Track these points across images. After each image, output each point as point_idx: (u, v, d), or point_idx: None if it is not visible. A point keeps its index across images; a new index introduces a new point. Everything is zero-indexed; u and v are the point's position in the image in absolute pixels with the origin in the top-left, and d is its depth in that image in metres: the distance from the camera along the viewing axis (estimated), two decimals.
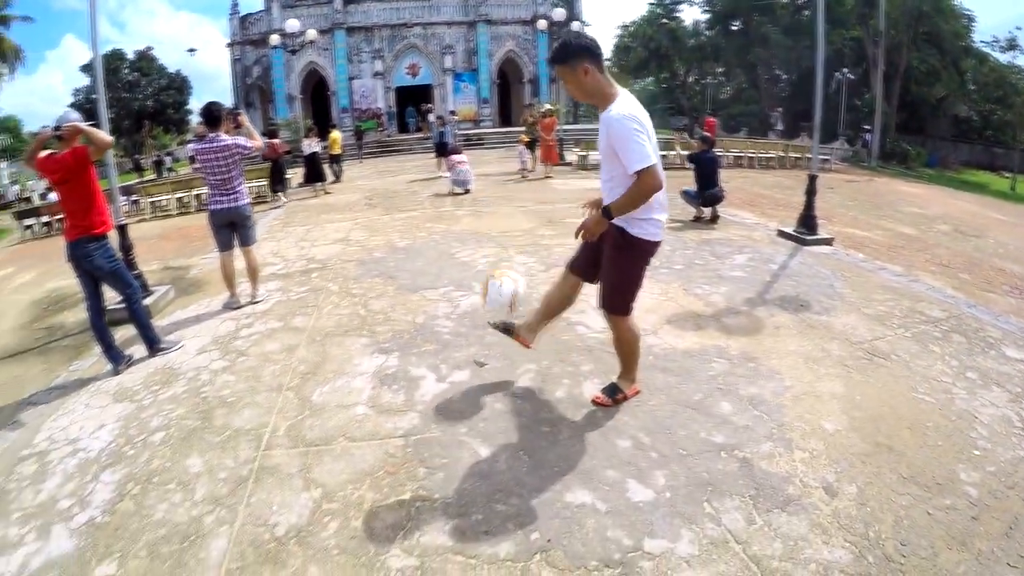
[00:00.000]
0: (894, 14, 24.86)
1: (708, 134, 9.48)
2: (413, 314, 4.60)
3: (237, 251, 5.11)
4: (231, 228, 5.03)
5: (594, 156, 15.33)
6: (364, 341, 4.12)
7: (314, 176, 13.31)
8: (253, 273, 5.20)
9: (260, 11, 29.58)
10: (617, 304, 2.85)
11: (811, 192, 6.96)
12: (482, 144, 24.28)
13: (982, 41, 28.92)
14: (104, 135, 3.78)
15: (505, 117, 31.04)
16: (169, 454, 2.88)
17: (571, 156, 16.12)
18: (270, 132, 13.84)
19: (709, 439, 2.78)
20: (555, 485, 2.41)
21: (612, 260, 2.78)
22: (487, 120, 29.67)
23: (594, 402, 3.09)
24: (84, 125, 3.73)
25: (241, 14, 30.16)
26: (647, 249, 2.74)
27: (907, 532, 2.24)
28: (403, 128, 29.49)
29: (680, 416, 2.97)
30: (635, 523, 2.21)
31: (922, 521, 2.31)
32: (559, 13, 19.87)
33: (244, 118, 5.16)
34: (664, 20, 37.17)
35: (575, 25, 22.72)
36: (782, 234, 7.20)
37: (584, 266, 2.97)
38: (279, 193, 12.29)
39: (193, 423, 3.16)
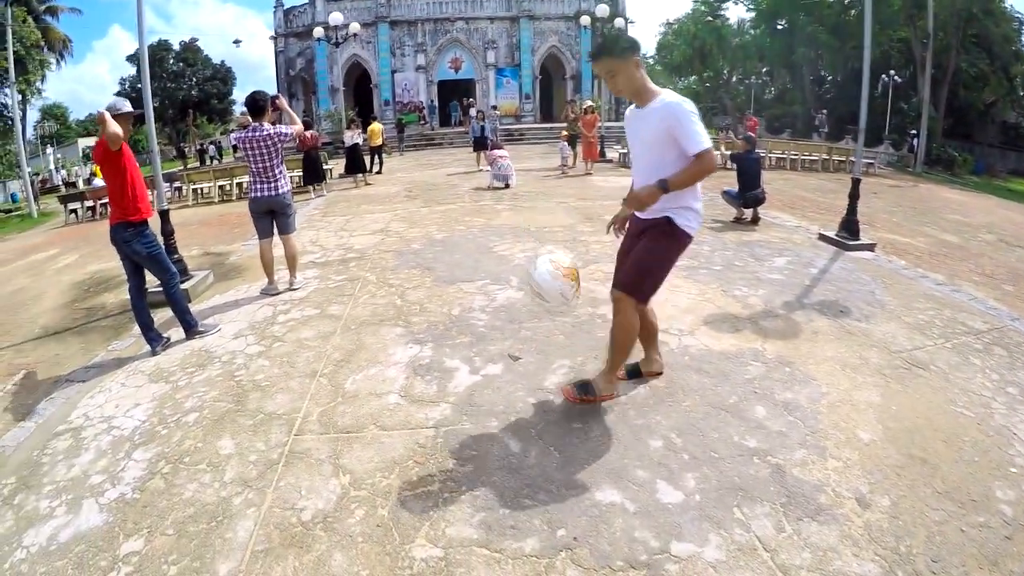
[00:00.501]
0: (943, 15, 23.92)
1: (752, 135, 9.34)
2: (449, 306, 4.67)
3: (276, 239, 5.24)
4: (271, 216, 5.17)
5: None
6: (399, 331, 4.21)
7: (355, 167, 13.51)
8: (292, 261, 5.34)
9: (304, 4, 30.19)
10: (642, 287, 2.83)
11: (854, 196, 6.81)
12: (523, 140, 24.43)
13: None
14: (112, 127, 3.68)
15: (546, 113, 31.14)
16: (201, 435, 3.00)
17: (612, 153, 16.05)
18: (303, 124, 14.06)
19: (742, 443, 2.77)
20: (584, 483, 2.45)
21: (651, 246, 2.81)
22: (528, 116, 29.85)
23: (563, 394, 3.07)
24: (107, 114, 3.75)
25: (286, 7, 30.84)
26: (685, 242, 2.82)
27: (939, 549, 2.21)
28: (445, 122, 29.76)
29: (714, 418, 2.97)
30: (663, 525, 2.24)
31: (955, 538, 2.27)
32: (602, 9, 19.77)
33: (282, 102, 5.29)
34: (709, 18, 36.58)
35: (618, 22, 22.62)
36: (823, 238, 7.06)
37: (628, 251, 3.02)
38: (316, 186, 12.37)
39: (226, 406, 3.28)
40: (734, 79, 40.24)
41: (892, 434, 2.94)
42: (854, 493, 2.48)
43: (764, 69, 38.98)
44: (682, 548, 2.14)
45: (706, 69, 39.26)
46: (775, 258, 6.12)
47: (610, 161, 15.40)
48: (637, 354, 3.27)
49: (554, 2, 29.62)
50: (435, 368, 3.60)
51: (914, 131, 23.58)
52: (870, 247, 6.67)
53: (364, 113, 22.79)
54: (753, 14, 35.97)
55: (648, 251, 2.81)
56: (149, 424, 3.16)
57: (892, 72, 25.87)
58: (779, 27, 34.60)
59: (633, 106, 2.78)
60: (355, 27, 21.05)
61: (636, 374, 3.30)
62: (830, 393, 3.29)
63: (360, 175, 13.47)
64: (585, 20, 21.50)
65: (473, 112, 17.71)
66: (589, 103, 15.42)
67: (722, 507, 2.34)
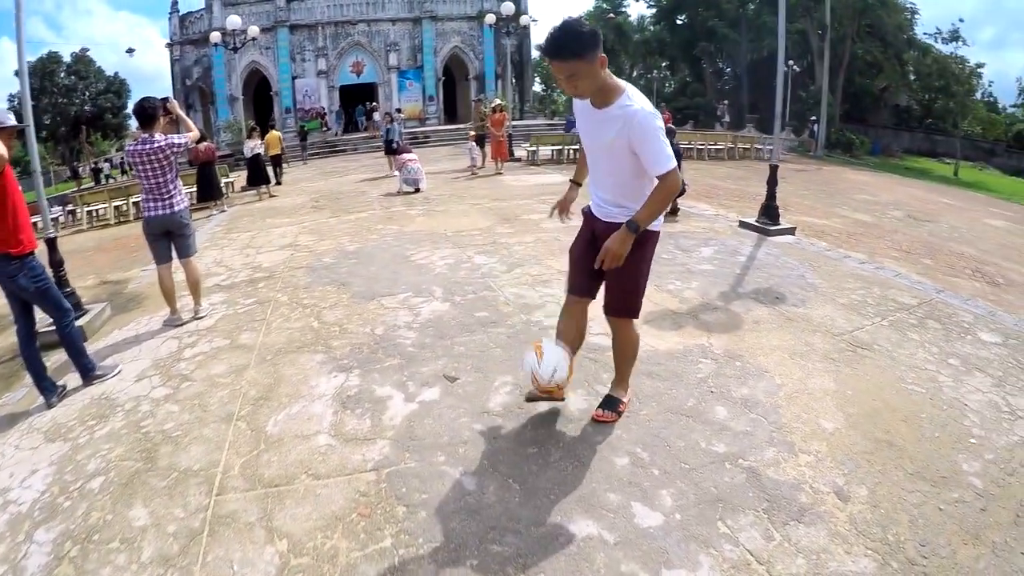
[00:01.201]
0: (838, 8, 26.05)
1: (672, 127, 9.57)
2: (371, 325, 4.32)
3: (176, 263, 4.71)
4: (168, 238, 4.64)
5: (544, 151, 15.36)
6: (320, 358, 3.81)
7: (258, 178, 12.79)
8: (195, 286, 4.81)
9: (201, 9, 29.03)
10: (636, 306, 2.70)
11: (772, 182, 7.05)
12: (428, 142, 24.25)
13: (925, 33, 30.81)
14: None
15: (451, 114, 31.17)
16: (110, 504, 2.52)
17: (521, 152, 16.08)
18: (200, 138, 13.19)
19: (711, 449, 2.65)
20: (554, 516, 2.22)
21: (634, 261, 2.55)
22: (433, 118, 29.78)
23: (597, 420, 2.86)
24: None
25: (181, 13, 29.68)
26: (655, 239, 2.66)
27: (923, 531, 2.21)
28: (350, 127, 29.34)
29: (676, 425, 2.83)
30: (648, 553, 2.04)
31: (935, 518, 2.29)
32: (508, 7, 19.86)
33: (174, 105, 4.75)
34: (611, 15, 37.84)
35: (524, 20, 22.89)
36: (744, 225, 7.27)
37: (588, 284, 2.74)
38: (216, 202, 11.63)
39: (135, 465, 2.79)
40: (635, 74, 41.87)
41: (853, 420, 2.93)
42: (831, 487, 2.43)
43: (665, 64, 40.76)
44: (673, 575, 1.96)
45: (608, 65, 40.72)
46: (701, 248, 6.21)
47: (519, 160, 15.47)
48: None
49: (456, 2, 29.74)
50: (365, 398, 3.25)
51: (814, 117, 25.47)
52: (791, 231, 6.93)
53: (267, 121, 21.90)
54: (654, 10, 37.61)
55: (634, 268, 2.58)
56: (49, 495, 2.62)
57: (791, 62, 27.83)
58: (679, 22, 36.35)
59: (586, 101, 2.46)
60: (254, 31, 20.10)
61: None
62: (785, 384, 3.27)
63: (264, 187, 12.73)
64: (490, 19, 21.57)
65: (377, 116, 17.26)
66: (498, 101, 15.41)
67: (705, 523, 2.19)
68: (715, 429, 2.81)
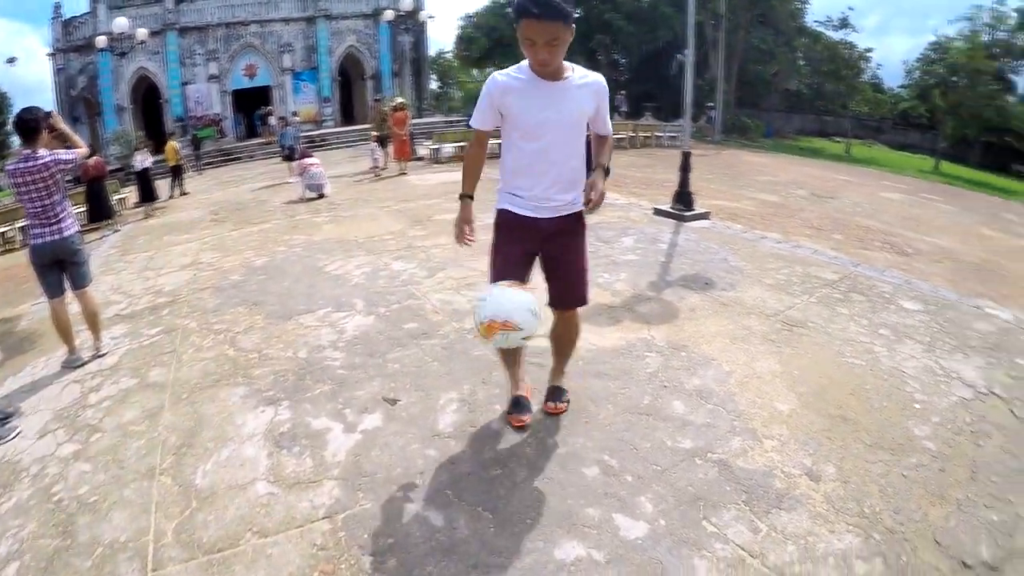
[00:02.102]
0: None
1: None
2: (293, 348, 3.99)
3: (70, 294, 4.16)
4: (59, 267, 4.09)
5: (446, 149, 15.24)
6: (241, 391, 3.45)
7: (147, 194, 11.87)
8: (93, 319, 4.26)
9: (85, 14, 26.74)
10: (588, 294, 2.71)
11: (685, 168, 7.33)
12: (327, 145, 23.73)
13: (816, 21, 33.83)
14: None
15: (348, 116, 30.68)
16: None
17: (423, 150, 15.88)
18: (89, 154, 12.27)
19: (677, 446, 2.63)
20: (535, 542, 2.09)
21: (579, 247, 2.62)
22: (329, 120, 29.26)
23: (551, 412, 2.88)
24: None
25: (64, 18, 27.30)
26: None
27: (894, 499, 2.33)
28: (250, 133, 28.34)
29: (638, 426, 2.80)
30: (643, 566, 1.97)
31: (901, 485, 2.42)
32: (407, 2, 19.64)
33: (58, 119, 4.19)
34: (508, 9, 38.33)
35: (423, 16, 22.84)
36: (659, 212, 7.49)
37: (523, 276, 2.57)
38: (109, 222, 10.76)
39: (52, 543, 2.35)
40: None
41: (805, 399, 3.04)
42: (801, 469, 2.50)
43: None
44: None
45: (506, 60, 41.26)
46: (622, 238, 6.32)
47: (422, 159, 15.32)
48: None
49: (351, 1, 29.30)
50: (301, 434, 2.96)
51: (711, 104, 27.04)
52: (705, 216, 7.23)
53: (158, 132, 20.56)
54: None
55: (581, 254, 2.63)
56: None
57: (687, 51, 29.39)
58: (575, 15, 37.48)
59: (523, 76, 2.35)
60: (142, 33, 18.85)
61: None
62: (734, 371, 3.34)
63: (151, 204, 11.84)
64: (389, 15, 21.38)
65: (273, 120, 16.56)
66: (400, 99, 15.09)
67: (691, 525, 2.16)
68: (677, 425, 2.81)
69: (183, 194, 14.17)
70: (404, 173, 12.78)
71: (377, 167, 13.27)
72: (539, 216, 2.48)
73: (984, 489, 2.40)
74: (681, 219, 7.09)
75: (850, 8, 38.27)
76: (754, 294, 4.50)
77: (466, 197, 2.54)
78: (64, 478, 2.80)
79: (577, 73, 2.39)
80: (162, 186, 14.18)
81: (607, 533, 2.12)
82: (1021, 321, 4.10)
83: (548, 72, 2.31)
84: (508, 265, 2.53)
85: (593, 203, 2.32)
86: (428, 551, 2.09)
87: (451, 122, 26.38)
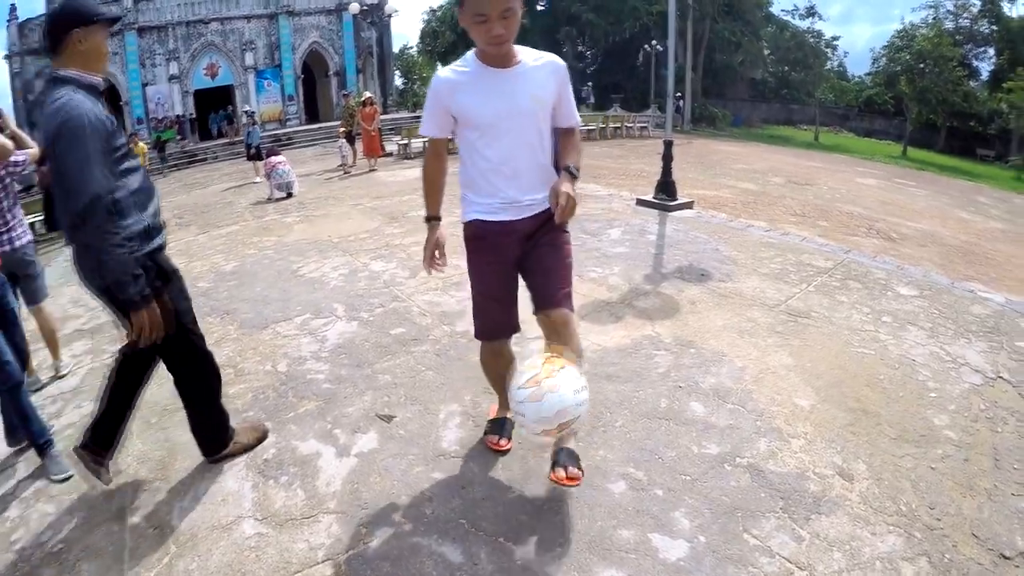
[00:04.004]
0: None
1: None
2: (271, 360, 3.75)
3: (25, 311, 3.84)
4: (12, 281, 3.75)
5: (415, 144, 15.01)
6: None
7: None
8: (51, 337, 3.94)
9: (41, 15, 25.91)
10: (571, 292, 2.36)
11: (668, 158, 7.29)
12: (292, 144, 23.70)
13: (783, 10, 34.79)
14: None
15: (312, 114, 30.60)
16: None
17: (391, 146, 15.66)
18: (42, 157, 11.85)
19: (704, 452, 2.53)
20: (568, 572, 1.95)
21: (564, 248, 2.30)
22: (293, 118, 29.22)
23: (563, 484, 2.25)
24: None
25: (20, 19, 26.79)
26: None
27: (927, 494, 2.30)
28: (209, 134, 28.24)
29: (659, 432, 2.69)
30: None
31: (932, 478, 2.39)
32: None
33: (7, 119, 3.86)
34: None
35: (389, 8, 22.81)
36: (642, 203, 7.43)
37: (515, 318, 2.39)
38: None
39: None
40: None
41: (824, 393, 2.98)
42: (833, 468, 2.45)
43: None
44: None
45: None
46: (608, 230, 6.23)
47: (390, 155, 15.13)
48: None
49: None
50: (288, 460, 2.74)
51: (679, 94, 27.43)
52: (689, 205, 7.19)
53: None
54: None
55: (566, 255, 2.31)
56: None
57: (654, 42, 29.85)
58: (539, 8, 37.63)
59: (469, 69, 2.15)
60: None
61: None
62: (747, 367, 3.27)
63: None
64: (354, 8, 21.34)
65: (245, 119, 16.24)
66: (368, 95, 14.83)
67: (731, 539, 2.06)
68: (699, 429, 2.71)
69: None
70: (374, 169, 12.62)
71: (346, 164, 13.09)
72: (514, 219, 2.22)
73: (1009, 477, 2.41)
74: (665, 209, 7.03)
75: None
76: (752, 284, 4.45)
77: (432, 219, 2.31)
78: (25, 522, 2.54)
79: (529, 56, 2.16)
80: None
81: (646, 556, 1.99)
82: (1013, 304, 4.14)
83: (499, 57, 2.08)
84: (492, 281, 2.31)
85: (561, 211, 1.97)
86: None
87: (417, 117, 26.34)
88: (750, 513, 2.17)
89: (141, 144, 14.95)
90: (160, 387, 3.55)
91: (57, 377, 3.94)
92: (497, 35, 1.97)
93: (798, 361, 3.30)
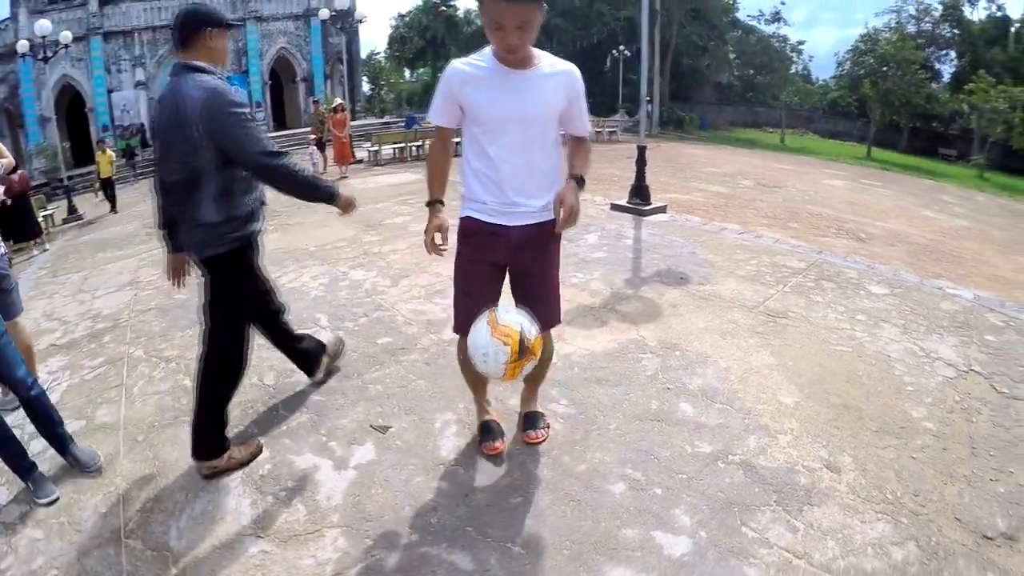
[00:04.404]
0: None
1: None
2: (256, 373, 3.65)
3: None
4: None
5: (385, 151, 14.99)
6: None
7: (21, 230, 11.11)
8: (28, 353, 3.79)
9: (5, 19, 26.18)
10: (560, 312, 2.51)
11: (641, 162, 7.43)
12: None
13: (749, 15, 35.82)
14: None
15: (279, 120, 30.46)
16: None
17: (361, 153, 15.59)
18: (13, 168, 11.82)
19: (697, 451, 2.62)
20: (578, 572, 2.01)
21: (552, 260, 2.41)
22: (261, 125, 28.63)
23: (532, 442, 2.71)
24: None
25: None
26: None
27: (911, 482, 2.44)
28: None
29: (652, 433, 2.77)
30: None
31: (914, 468, 2.53)
32: (342, 1, 19.55)
33: None
34: (442, 8, 38.39)
35: (359, 14, 22.98)
36: (616, 207, 7.56)
37: (492, 292, 2.41)
38: (34, 241, 10.20)
39: None
40: None
41: (806, 391, 3.11)
42: (820, 462, 2.56)
43: None
44: None
45: (440, 59, 41.26)
46: (585, 235, 6.32)
47: (361, 161, 15.04)
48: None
49: (282, 2, 29.33)
50: (285, 475, 2.72)
51: (648, 98, 27.93)
52: (663, 209, 7.34)
53: (84, 143, 20.45)
54: (480, 2, 38.94)
55: (555, 267, 2.42)
56: None
57: (622, 47, 30.33)
58: None
59: (485, 64, 2.17)
60: (66, 36, 17.84)
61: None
62: (731, 367, 3.38)
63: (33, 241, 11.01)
64: (324, 14, 21.39)
65: None
66: (339, 101, 14.74)
67: (731, 532, 2.15)
68: (690, 429, 2.80)
69: (113, 211, 13.59)
70: (345, 177, 12.52)
71: (317, 171, 12.96)
72: (508, 224, 2.25)
73: (986, 463, 2.56)
74: (640, 213, 7.17)
75: (782, 2, 40.95)
76: (730, 286, 4.58)
77: (435, 203, 2.33)
78: (14, 550, 2.48)
79: (546, 61, 2.19)
80: (82, 202, 13.40)
81: (651, 554, 2.07)
82: (981, 300, 4.36)
83: (515, 60, 2.12)
84: (474, 278, 2.36)
85: (563, 220, 2.06)
86: None
87: (387, 124, 26.58)
88: (746, 507, 2.27)
89: (109, 152, 14.51)
90: (144, 403, 3.54)
91: None
92: (511, 44, 2.01)
93: (780, 360, 3.42)
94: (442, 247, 2.29)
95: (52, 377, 4.06)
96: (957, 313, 4.10)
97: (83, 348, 4.56)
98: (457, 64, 2.19)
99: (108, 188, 13.86)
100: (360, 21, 28.28)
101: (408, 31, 40.46)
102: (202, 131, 2.35)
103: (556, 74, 2.19)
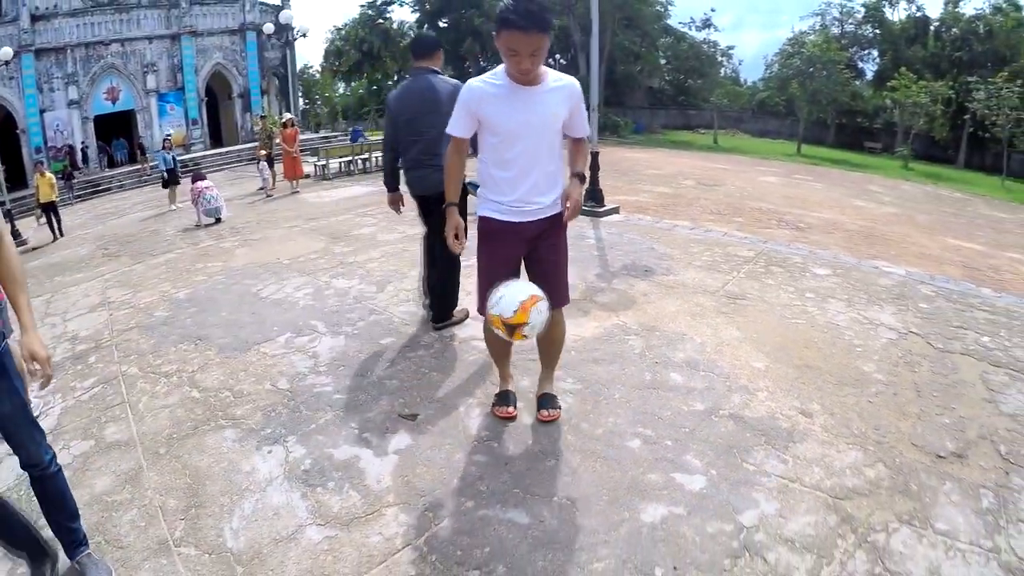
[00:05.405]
0: (601, 2, 29.84)
1: None
2: (268, 379, 3.79)
3: None
4: None
5: (334, 164, 15.06)
6: (232, 434, 3.22)
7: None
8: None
9: None
10: (568, 291, 2.97)
11: (595, 168, 7.90)
12: (199, 169, 22.97)
13: (680, 22, 37.39)
14: None
15: (216, 137, 29.60)
16: None
17: (307, 167, 15.54)
18: None
19: (693, 409, 3.06)
20: (621, 513, 2.38)
21: (562, 246, 2.86)
22: (199, 143, 28.15)
23: (546, 420, 3.00)
24: None
25: None
26: None
27: (871, 420, 2.96)
28: (113, 162, 26.98)
29: (652, 399, 3.18)
30: (719, 509, 2.35)
31: (872, 409, 3.05)
32: (287, 15, 19.34)
33: None
34: (379, 21, 38.19)
35: (301, 28, 22.98)
36: None
37: (511, 278, 2.78)
38: None
39: None
40: (400, 79, 42.88)
41: (772, 356, 3.61)
42: (795, 410, 3.05)
43: None
44: (748, 518, 2.31)
45: (376, 71, 40.99)
46: None
47: (308, 176, 15.05)
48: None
49: (217, 16, 28.36)
50: (328, 467, 2.88)
51: (596, 104, 28.86)
52: (616, 210, 7.85)
53: (16, 166, 19.22)
54: (417, 15, 40.02)
55: (564, 252, 2.88)
56: None
57: (557, 55, 31.10)
58: (442, 24, 38.54)
59: (500, 83, 2.54)
60: (7, 52, 16.66)
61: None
62: (706, 342, 3.85)
63: None
64: (268, 28, 21.03)
65: (166, 145, 15.56)
66: (288, 116, 14.69)
67: (736, 468, 2.59)
68: (683, 393, 3.24)
69: (60, 235, 13.12)
70: (297, 191, 12.58)
71: (267, 187, 12.90)
72: (522, 220, 2.65)
73: (932, 402, 3.11)
74: (596, 215, 7.66)
75: (712, 9, 43.11)
76: (691, 276, 5.09)
77: (451, 205, 2.78)
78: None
79: (551, 77, 2.57)
80: (22, 227, 12.77)
81: (676, 491, 2.47)
82: (913, 275, 5.06)
83: (528, 79, 2.51)
84: (496, 269, 2.70)
85: (570, 212, 2.60)
86: (529, 548, 2.24)
87: (326, 138, 26.26)
88: (743, 449, 2.72)
89: (48, 175, 13.88)
90: (155, 418, 3.50)
91: None
92: (525, 68, 2.43)
93: (746, 334, 3.92)
94: (462, 244, 2.77)
95: (42, 402, 3.87)
96: (893, 287, 4.75)
97: (69, 370, 4.43)
98: (476, 83, 2.61)
99: (51, 212, 13.40)
100: (303, 34, 27.88)
101: (344, 44, 40.07)
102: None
103: (560, 88, 2.60)
